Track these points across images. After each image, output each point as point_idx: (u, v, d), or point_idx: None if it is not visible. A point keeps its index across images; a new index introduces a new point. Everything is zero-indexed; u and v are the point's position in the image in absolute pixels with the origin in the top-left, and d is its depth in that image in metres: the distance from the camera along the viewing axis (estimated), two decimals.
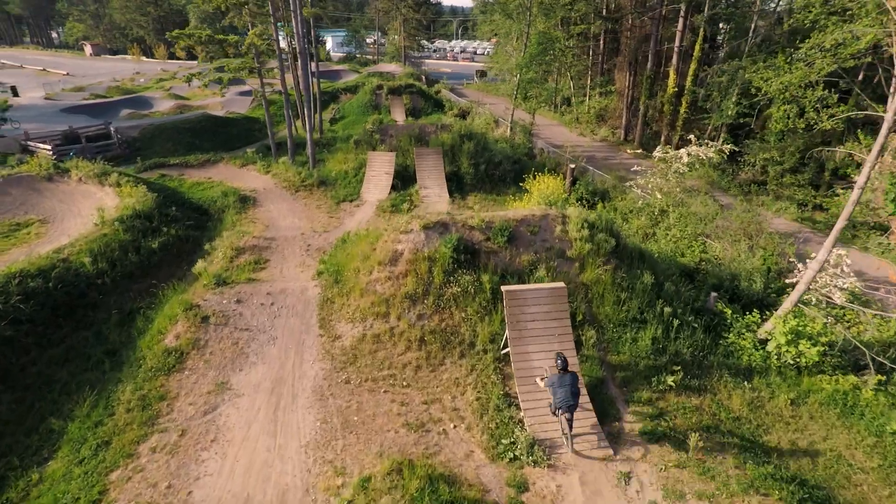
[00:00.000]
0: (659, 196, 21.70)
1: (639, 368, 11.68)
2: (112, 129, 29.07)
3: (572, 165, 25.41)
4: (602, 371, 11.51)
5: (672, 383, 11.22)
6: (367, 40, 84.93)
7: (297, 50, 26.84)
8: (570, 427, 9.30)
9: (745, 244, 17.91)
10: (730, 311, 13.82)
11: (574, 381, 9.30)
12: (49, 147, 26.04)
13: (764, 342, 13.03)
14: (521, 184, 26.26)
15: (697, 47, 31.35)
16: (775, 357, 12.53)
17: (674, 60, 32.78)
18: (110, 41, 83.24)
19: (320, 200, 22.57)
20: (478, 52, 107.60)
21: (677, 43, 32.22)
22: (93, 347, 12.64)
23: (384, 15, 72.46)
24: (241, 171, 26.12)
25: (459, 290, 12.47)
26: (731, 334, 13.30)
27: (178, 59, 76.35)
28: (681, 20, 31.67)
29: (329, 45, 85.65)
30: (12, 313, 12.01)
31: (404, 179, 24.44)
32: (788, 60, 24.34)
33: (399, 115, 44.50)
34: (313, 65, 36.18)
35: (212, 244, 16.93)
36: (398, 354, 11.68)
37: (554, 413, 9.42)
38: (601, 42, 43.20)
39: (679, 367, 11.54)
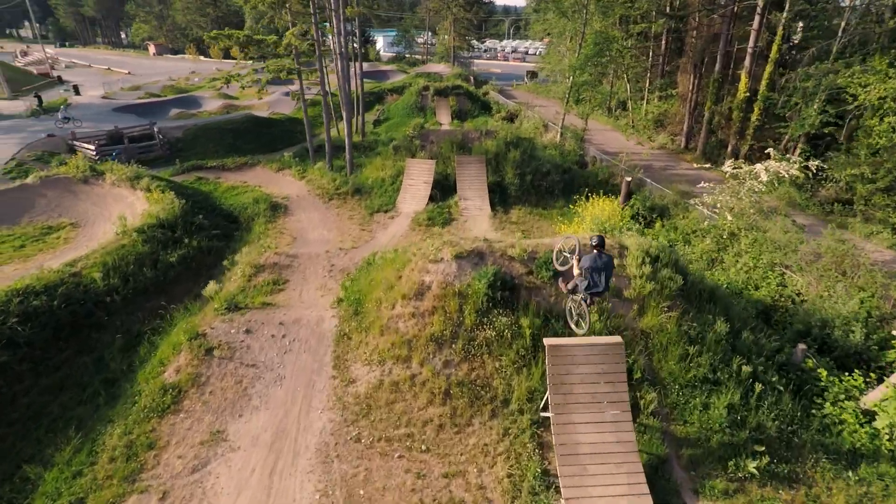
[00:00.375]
0: (729, 217, 18.97)
1: (711, 445, 9.42)
2: (156, 129, 28.80)
3: (628, 178, 22.93)
4: (664, 447, 9.33)
5: (754, 470, 8.93)
6: (419, 40, 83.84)
7: (337, 50, 25.56)
8: (589, 308, 8.76)
9: (838, 282, 15.06)
10: (825, 372, 11.25)
11: (610, 265, 8.35)
12: (93, 147, 25.90)
13: (870, 415, 10.44)
14: (571, 196, 24.13)
15: (775, 48, 27.96)
16: (887, 438, 9.95)
17: (746, 62, 29.46)
18: (172, 41, 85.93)
19: (353, 210, 21.15)
20: (529, 52, 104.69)
21: (751, 43, 28.92)
22: (91, 376, 11.54)
23: (434, 14, 71.04)
24: (277, 176, 25.11)
25: (494, 334, 10.55)
26: (826, 402, 10.77)
27: (233, 58, 77.66)
28: (757, 18, 28.35)
29: (379, 44, 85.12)
30: (9, 335, 11.07)
31: (444, 189, 22.71)
32: (893, 64, 21.04)
33: (444, 118, 42.86)
34: (357, 65, 34.99)
35: (232, 258, 15.77)
36: (418, 409, 9.90)
37: (584, 300, 8.58)
38: (663, 42, 39.95)
39: (763, 447, 9.24)
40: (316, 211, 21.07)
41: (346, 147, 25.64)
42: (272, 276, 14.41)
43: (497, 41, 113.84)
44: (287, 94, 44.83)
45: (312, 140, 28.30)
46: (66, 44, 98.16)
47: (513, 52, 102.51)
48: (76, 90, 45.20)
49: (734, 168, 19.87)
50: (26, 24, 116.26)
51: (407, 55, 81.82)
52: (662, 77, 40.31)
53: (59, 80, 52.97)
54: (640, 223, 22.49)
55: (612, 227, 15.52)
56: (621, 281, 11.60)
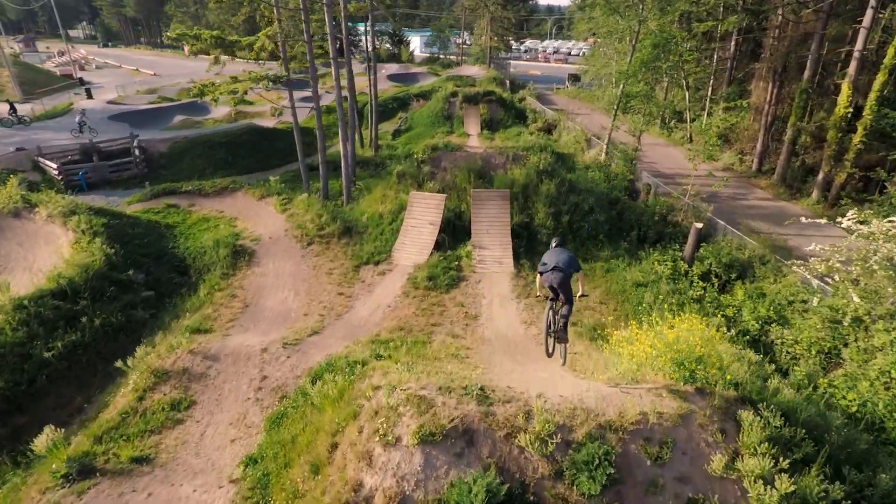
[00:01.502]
0: (855, 298, 12.93)
1: None
2: (135, 143, 24.69)
3: (698, 224, 17.10)
4: None
5: None
6: (457, 40, 78.22)
7: (332, 53, 20.67)
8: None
9: None
10: None
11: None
12: (55, 166, 21.96)
13: None
14: (620, 243, 18.50)
15: (892, 52, 21.33)
16: None
17: (850, 70, 22.82)
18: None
19: (336, 260, 16.19)
20: (572, 54, 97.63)
21: (859, 46, 22.28)
22: None
23: (471, 13, 65.47)
24: (258, 206, 20.44)
25: None
26: None
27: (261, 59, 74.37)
28: (869, 13, 21.73)
29: (414, 45, 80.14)
30: None
31: (456, 231, 17.44)
32: None
33: (473, 128, 37.51)
34: (370, 68, 30.06)
35: (148, 343, 11.08)
36: None
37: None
38: (732, 43, 33.28)
39: None
40: (289, 260, 16.22)
41: (343, 172, 20.83)
42: (175, 392, 9.55)
43: (538, 41, 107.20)
44: (303, 100, 40.49)
45: (306, 161, 23.45)
46: (109, 44, 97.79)
47: (554, 52, 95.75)
48: (88, 93, 42.19)
49: (857, 218, 13.75)
50: (82, 25, 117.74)
51: (441, 56, 76.63)
52: (730, 85, 33.59)
53: (80, 82, 50.49)
54: (714, 285, 16.67)
55: (705, 372, 8.91)
56: (727, 488, 6.09)
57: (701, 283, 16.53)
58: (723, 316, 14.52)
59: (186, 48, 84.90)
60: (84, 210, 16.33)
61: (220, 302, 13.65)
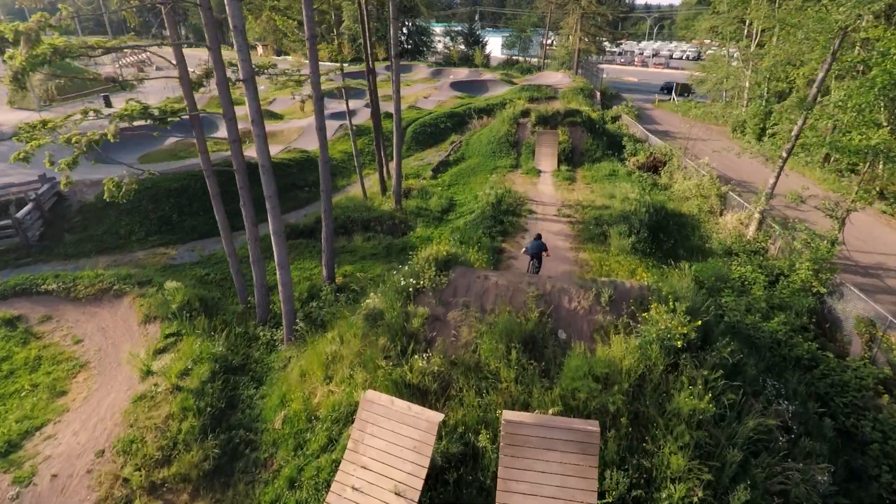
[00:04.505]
0: None
1: None
2: (35, 193, 16.29)
3: None
4: None
5: None
6: (545, 41, 65.69)
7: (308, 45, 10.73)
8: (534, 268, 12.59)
9: None
10: None
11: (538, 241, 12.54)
12: None
13: None
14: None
15: None
16: None
17: None
18: (277, 42, 78.01)
19: None
20: (673, 57, 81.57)
21: None
22: None
23: (557, 9, 53.11)
24: (135, 336, 11.09)
25: None
26: None
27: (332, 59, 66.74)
28: None
29: (491, 47, 68.72)
30: None
31: (462, 487, 6.98)
32: None
33: (547, 162, 26.33)
34: (393, 74, 19.63)
35: None
36: None
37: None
38: None
39: None
40: None
41: (283, 309, 10.95)
42: None
43: (634, 42, 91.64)
44: (332, 116, 31.12)
45: (253, 274, 13.48)
46: (192, 44, 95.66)
47: (654, 55, 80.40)
48: (107, 101, 35.86)
49: None
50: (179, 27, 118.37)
51: (521, 59, 64.88)
52: None
53: (121, 86, 44.76)
54: None
55: None
56: None
57: None
58: None
59: (260, 49, 79.62)
60: None
61: None
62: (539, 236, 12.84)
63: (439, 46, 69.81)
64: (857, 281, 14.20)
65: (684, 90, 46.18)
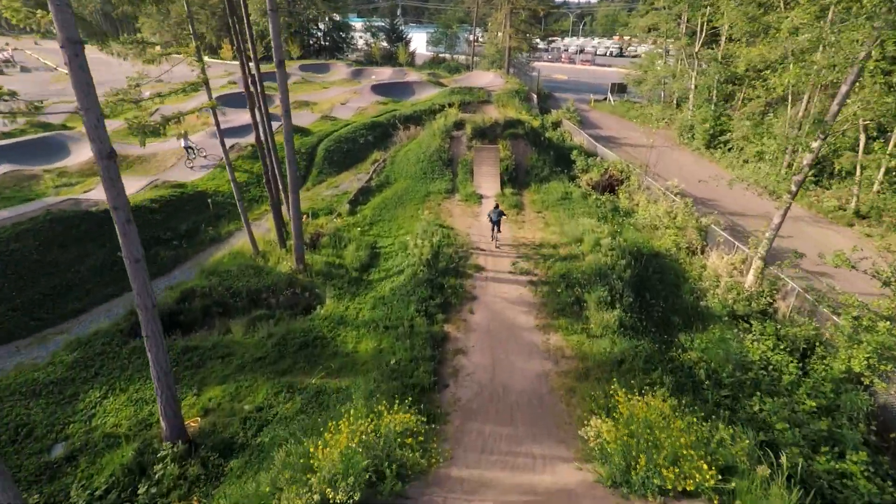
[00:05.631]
0: None
1: None
2: None
3: None
4: None
5: None
6: (470, 37, 61.11)
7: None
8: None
9: None
10: None
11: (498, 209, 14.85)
12: None
13: None
14: None
15: None
16: None
17: None
18: (177, 38, 68.17)
19: None
20: (598, 53, 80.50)
21: None
22: None
23: (484, 3, 48.91)
24: None
25: None
26: None
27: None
28: None
29: (416, 44, 63.49)
30: None
31: None
32: None
33: (488, 184, 21.94)
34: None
35: None
36: None
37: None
38: None
39: None
40: None
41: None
42: None
43: (559, 39, 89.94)
44: (232, 130, 24.71)
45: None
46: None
47: (580, 52, 78.84)
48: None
49: None
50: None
51: (448, 58, 60.32)
52: None
53: None
54: None
55: None
56: None
57: None
58: None
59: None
60: None
61: None
62: (497, 205, 15.54)
63: (360, 43, 63.59)
64: None
65: (620, 90, 43.75)
